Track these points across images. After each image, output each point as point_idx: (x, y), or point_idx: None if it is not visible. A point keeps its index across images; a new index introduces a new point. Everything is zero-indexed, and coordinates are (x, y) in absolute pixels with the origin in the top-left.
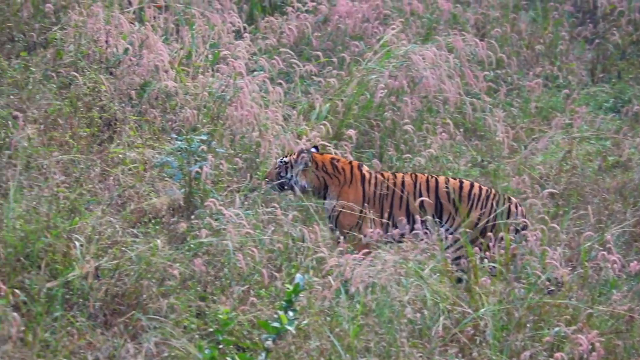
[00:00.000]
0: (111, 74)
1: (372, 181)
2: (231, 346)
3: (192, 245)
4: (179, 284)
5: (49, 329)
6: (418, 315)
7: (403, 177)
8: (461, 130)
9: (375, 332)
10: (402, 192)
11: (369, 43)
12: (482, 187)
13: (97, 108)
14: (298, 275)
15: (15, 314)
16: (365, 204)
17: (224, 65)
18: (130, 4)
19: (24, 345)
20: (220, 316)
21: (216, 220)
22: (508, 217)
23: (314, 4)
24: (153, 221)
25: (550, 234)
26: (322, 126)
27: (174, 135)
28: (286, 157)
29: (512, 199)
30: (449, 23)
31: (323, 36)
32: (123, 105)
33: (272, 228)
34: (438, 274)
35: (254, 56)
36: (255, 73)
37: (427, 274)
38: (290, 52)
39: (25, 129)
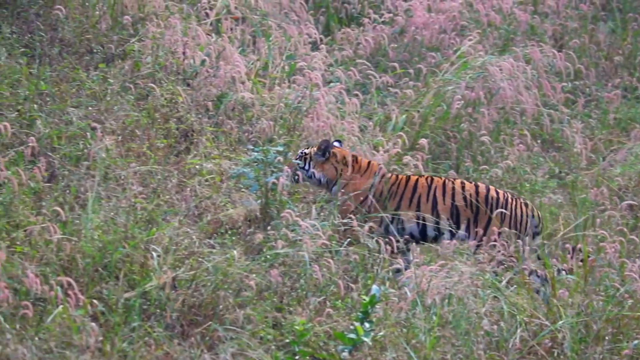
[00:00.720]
0: (188, 85)
1: (386, 177)
2: (307, 357)
3: (268, 256)
4: (256, 295)
5: (126, 339)
6: (495, 327)
7: (417, 179)
8: (539, 141)
9: (452, 344)
10: (413, 192)
11: (446, 54)
12: (499, 191)
13: (174, 119)
14: (374, 287)
15: (93, 324)
16: (371, 198)
17: (300, 76)
18: (207, 15)
19: (102, 355)
20: (297, 327)
21: (292, 231)
22: (522, 222)
23: (391, 15)
24: (230, 232)
25: (629, 246)
26: (398, 137)
27: (251, 147)
28: (307, 149)
29: (529, 203)
30: (527, 34)
31: (399, 47)
32: (200, 116)
33: (349, 239)
34: (515, 286)
35: (330, 67)
36: (332, 84)
37: (504, 285)
38: (367, 63)
39: (103, 140)
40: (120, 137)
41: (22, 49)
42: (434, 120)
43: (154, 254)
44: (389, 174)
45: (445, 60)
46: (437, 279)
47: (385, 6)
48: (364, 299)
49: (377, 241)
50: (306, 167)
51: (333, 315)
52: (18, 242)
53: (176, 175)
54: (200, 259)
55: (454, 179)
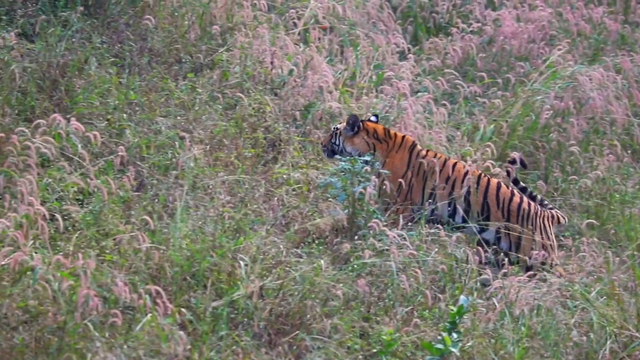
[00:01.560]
0: (276, 95)
1: (422, 153)
2: None
3: (355, 266)
4: (343, 305)
5: (214, 347)
6: (584, 338)
7: (455, 163)
8: (629, 152)
9: (540, 355)
10: (449, 176)
11: (535, 64)
12: (530, 203)
13: (262, 129)
14: (462, 297)
15: (181, 332)
16: (409, 173)
17: (388, 86)
18: (295, 25)
19: None
20: (384, 337)
21: (380, 241)
22: (550, 232)
23: (479, 24)
24: (317, 241)
25: None
26: (486, 147)
27: (338, 156)
28: (339, 124)
29: (554, 214)
30: (617, 43)
31: (488, 57)
32: (287, 126)
33: (436, 249)
34: (605, 297)
35: (418, 77)
36: (419, 94)
37: (593, 296)
38: (455, 73)
39: (191, 150)
40: (208, 147)
41: (112, 59)
42: (523, 130)
43: (242, 263)
44: (424, 150)
45: (534, 69)
46: (525, 289)
47: (474, 16)
48: (452, 309)
49: (464, 251)
50: (337, 142)
51: (420, 325)
52: (107, 251)
53: (264, 185)
54: (287, 269)
55: (491, 177)
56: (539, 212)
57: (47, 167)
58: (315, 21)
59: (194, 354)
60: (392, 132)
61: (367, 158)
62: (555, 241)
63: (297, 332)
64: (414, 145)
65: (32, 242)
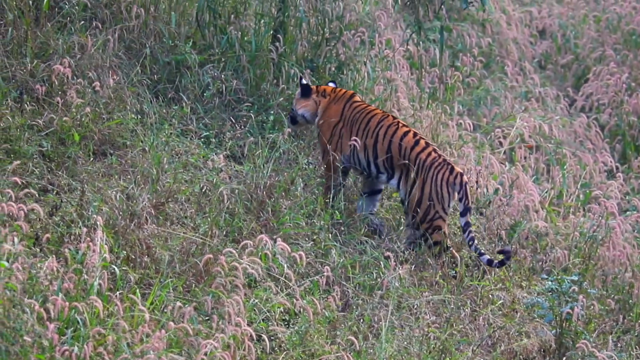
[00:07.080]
0: (481, 214)
1: (354, 105)
2: None
3: None
4: None
5: None
6: None
7: (375, 114)
8: None
9: None
10: (360, 124)
11: None
12: (432, 152)
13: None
14: None
15: None
16: (341, 122)
17: (596, 205)
18: (501, 144)
19: None
20: None
21: None
22: (441, 187)
23: None
24: None
25: None
26: None
27: (544, 276)
28: None
29: (456, 169)
30: None
31: None
32: (493, 244)
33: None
34: None
35: (626, 196)
36: (628, 213)
37: None
38: None
39: (396, 269)
40: (413, 266)
41: (318, 179)
42: None
43: None
44: (360, 102)
45: None
46: None
47: None
48: None
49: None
50: (294, 108)
51: None
52: None
53: (469, 305)
54: None
55: (403, 125)
56: (435, 164)
57: (254, 287)
58: (522, 140)
59: None
60: (336, 90)
61: (575, 277)
62: (448, 198)
63: None
64: (351, 97)
65: None
